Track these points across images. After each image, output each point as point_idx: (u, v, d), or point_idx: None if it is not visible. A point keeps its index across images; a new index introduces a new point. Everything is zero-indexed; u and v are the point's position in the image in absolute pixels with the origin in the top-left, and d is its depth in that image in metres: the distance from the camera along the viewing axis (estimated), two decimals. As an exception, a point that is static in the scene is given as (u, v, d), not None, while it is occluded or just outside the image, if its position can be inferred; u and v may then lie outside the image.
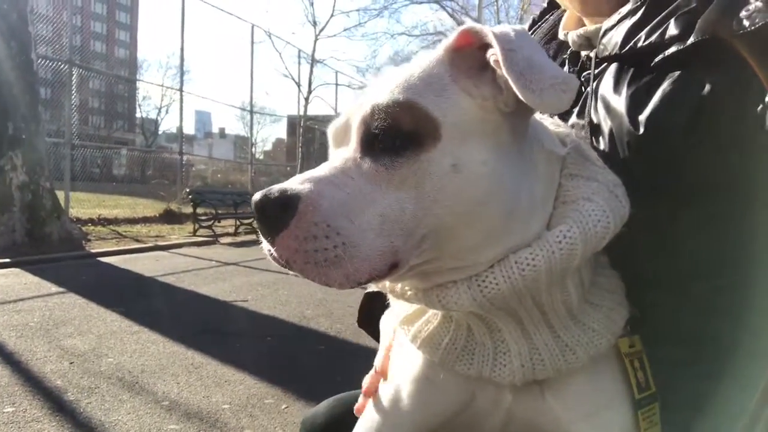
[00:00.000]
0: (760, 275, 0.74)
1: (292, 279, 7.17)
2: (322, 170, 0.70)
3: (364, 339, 4.47)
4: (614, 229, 0.70)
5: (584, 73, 0.93)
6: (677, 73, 0.76)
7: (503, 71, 0.65)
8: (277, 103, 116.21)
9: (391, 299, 0.86)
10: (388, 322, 1.30)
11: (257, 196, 0.67)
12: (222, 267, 8.16)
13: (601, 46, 0.87)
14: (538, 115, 0.86)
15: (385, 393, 0.90)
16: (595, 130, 0.85)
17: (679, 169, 0.75)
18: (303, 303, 5.83)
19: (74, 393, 3.25)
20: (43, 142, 9.85)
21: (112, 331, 4.56)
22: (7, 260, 7.48)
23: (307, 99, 23.39)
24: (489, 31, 0.68)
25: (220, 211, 12.48)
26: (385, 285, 0.80)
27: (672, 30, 0.76)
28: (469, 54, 0.72)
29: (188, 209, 13.12)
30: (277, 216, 0.65)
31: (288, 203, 0.65)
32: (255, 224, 0.68)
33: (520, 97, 0.64)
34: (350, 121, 0.74)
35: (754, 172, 0.72)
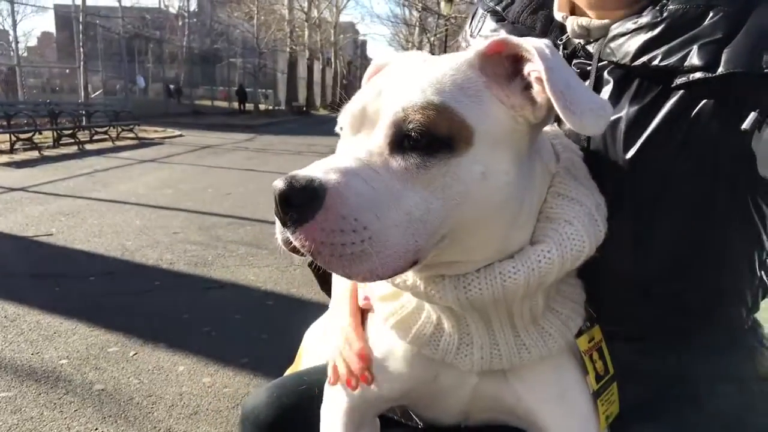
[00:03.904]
0: (713, 281, 0.88)
1: (98, 206, 6.52)
2: (345, 160, 0.69)
3: (201, 269, 4.33)
4: (588, 253, 0.78)
5: (575, 62, 0.95)
6: (681, 93, 0.80)
7: (547, 88, 0.67)
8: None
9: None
10: (314, 333, 1.32)
11: (280, 183, 0.65)
12: (6, 194, 7.05)
13: (608, 50, 0.88)
14: None
15: None
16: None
17: (664, 188, 0.83)
18: (120, 233, 5.36)
19: None
20: None
21: None
22: None
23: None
24: (529, 45, 0.69)
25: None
26: None
27: (694, 59, 0.78)
28: (496, 61, 0.73)
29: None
30: (304, 206, 0.64)
31: (315, 194, 0.64)
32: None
33: (561, 116, 0.67)
34: (367, 108, 0.74)
35: (733, 201, 0.81)
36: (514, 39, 0.71)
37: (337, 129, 0.80)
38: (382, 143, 0.71)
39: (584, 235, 0.76)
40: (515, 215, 0.75)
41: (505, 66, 0.74)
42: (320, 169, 0.67)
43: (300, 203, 0.64)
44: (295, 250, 0.68)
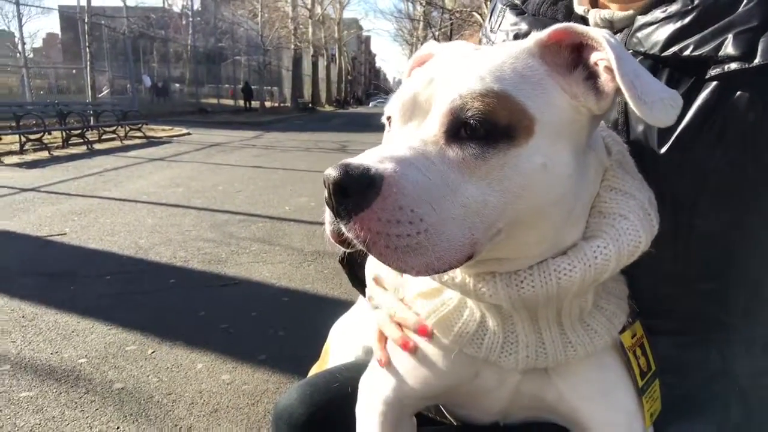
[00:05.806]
0: (755, 274, 0.86)
1: (109, 204, 6.54)
2: (399, 149, 0.66)
3: (215, 266, 4.33)
4: (644, 248, 0.75)
5: None
6: (715, 83, 0.78)
7: (617, 78, 0.64)
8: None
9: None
10: (340, 329, 1.30)
11: (334, 172, 0.62)
12: (18, 194, 7.07)
13: (635, 40, 0.86)
14: None
15: (394, 361, 0.93)
16: (624, 124, 0.87)
17: (702, 182, 0.81)
18: (133, 231, 5.37)
19: None
20: None
21: None
22: None
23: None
24: (597, 34, 0.67)
25: (-4, 126, 10.59)
26: None
27: (729, 48, 0.76)
28: (556, 51, 0.71)
29: (-48, 124, 10.93)
30: (360, 195, 0.61)
31: (371, 183, 0.61)
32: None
33: (632, 106, 0.64)
34: (418, 96, 0.71)
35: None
36: (579, 27, 0.69)
37: (383, 119, 0.77)
38: (437, 132, 0.68)
39: (640, 230, 0.74)
40: (571, 209, 0.73)
41: (564, 55, 0.71)
42: (374, 158, 0.64)
43: (356, 192, 0.61)
44: (343, 242, 0.66)
